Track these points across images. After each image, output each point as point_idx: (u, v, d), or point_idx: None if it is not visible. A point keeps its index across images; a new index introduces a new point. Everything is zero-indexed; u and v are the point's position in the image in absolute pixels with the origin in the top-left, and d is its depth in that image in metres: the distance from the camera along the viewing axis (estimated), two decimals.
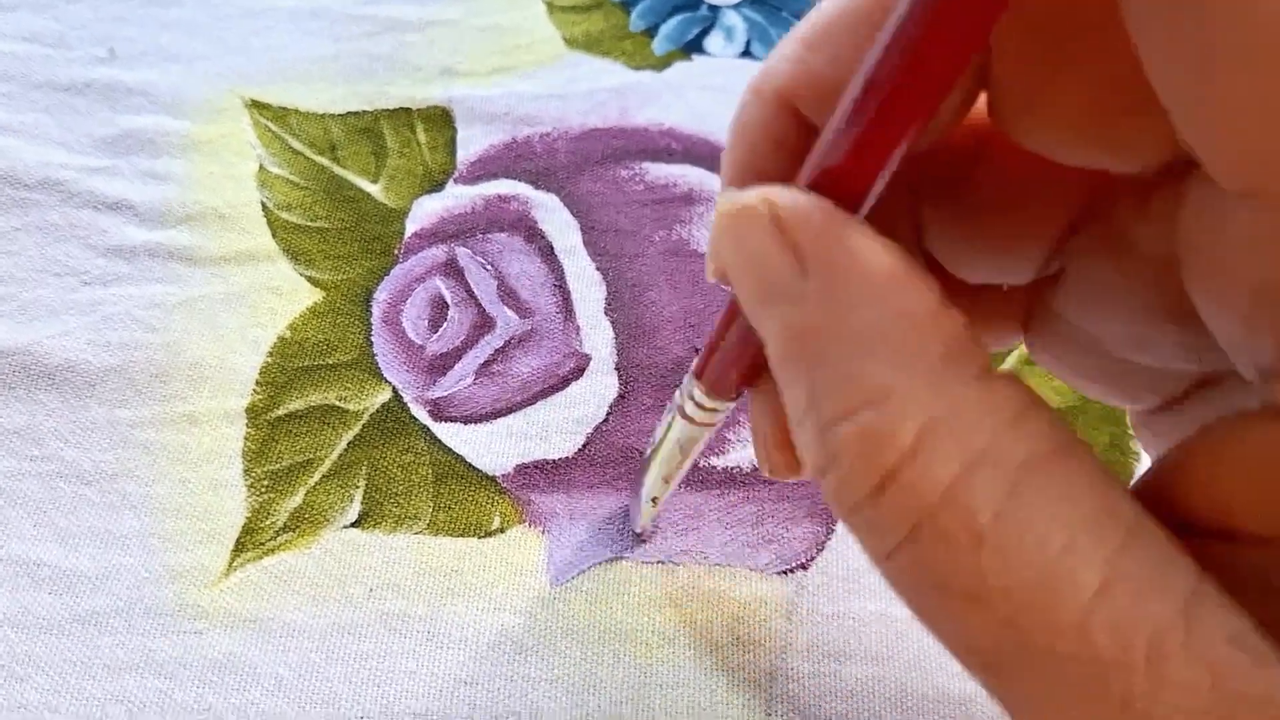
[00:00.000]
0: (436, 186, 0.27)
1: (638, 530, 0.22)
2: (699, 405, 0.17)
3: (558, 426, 0.24)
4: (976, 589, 0.10)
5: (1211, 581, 0.11)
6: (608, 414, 0.24)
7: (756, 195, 0.12)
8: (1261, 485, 0.11)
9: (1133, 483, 0.13)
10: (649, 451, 0.20)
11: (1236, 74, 0.09)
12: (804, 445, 0.12)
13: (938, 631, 0.12)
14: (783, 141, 0.14)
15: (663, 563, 0.22)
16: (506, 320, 0.25)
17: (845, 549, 0.23)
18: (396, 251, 0.26)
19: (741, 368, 0.15)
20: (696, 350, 0.25)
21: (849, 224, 0.11)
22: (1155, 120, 0.11)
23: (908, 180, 0.12)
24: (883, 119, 0.11)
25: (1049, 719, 0.11)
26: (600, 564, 0.22)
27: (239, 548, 0.22)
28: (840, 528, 0.23)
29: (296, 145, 0.28)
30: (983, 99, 0.13)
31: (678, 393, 0.18)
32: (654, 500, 0.21)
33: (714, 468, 0.24)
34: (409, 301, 0.26)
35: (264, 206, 0.27)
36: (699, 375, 0.16)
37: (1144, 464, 0.24)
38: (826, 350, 0.11)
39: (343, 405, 0.24)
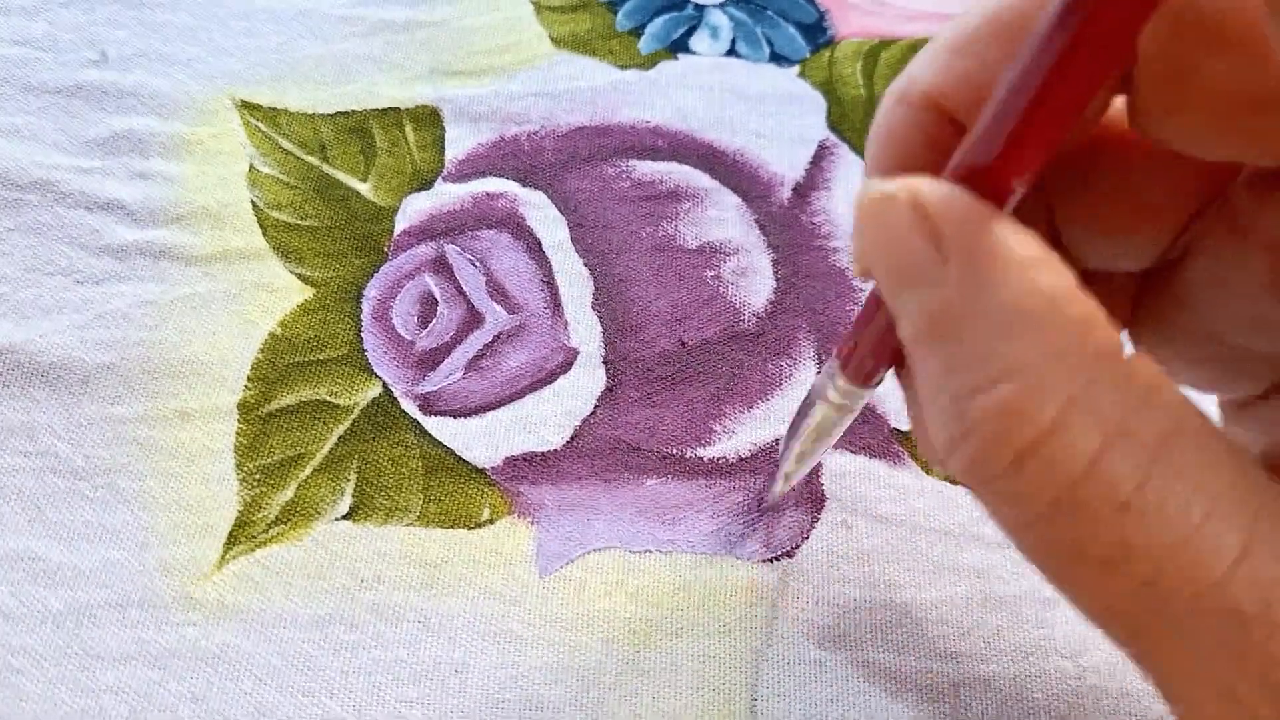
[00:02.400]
0: (425, 185, 0.28)
1: (770, 502, 0.23)
2: (841, 391, 0.17)
3: (546, 419, 0.24)
4: (1118, 555, 0.11)
5: None
6: (595, 407, 0.25)
7: (899, 184, 0.12)
8: None
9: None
10: (791, 426, 0.20)
11: None
12: (937, 420, 0.12)
13: (1076, 597, 0.12)
14: (929, 143, 0.14)
15: (650, 552, 0.23)
16: (495, 316, 0.26)
17: (830, 537, 0.23)
18: (386, 249, 0.27)
19: (884, 354, 0.16)
20: (683, 344, 0.26)
21: (991, 214, 0.12)
22: None
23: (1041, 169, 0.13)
24: (1028, 122, 0.11)
25: (1190, 676, 0.12)
26: (588, 554, 0.23)
27: (231, 541, 0.22)
28: (826, 516, 0.23)
29: (286, 145, 0.28)
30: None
31: (819, 377, 0.18)
32: (788, 476, 0.21)
33: (701, 458, 0.24)
34: (398, 298, 0.26)
35: (254, 205, 0.27)
36: (841, 361, 0.17)
37: None
38: (964, 330, 0.12)
39: (333, 400, 0.24)
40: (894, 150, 0.15)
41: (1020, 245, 0.12)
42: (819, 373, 0.25)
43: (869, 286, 0.27)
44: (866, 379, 0.17)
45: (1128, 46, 0.11)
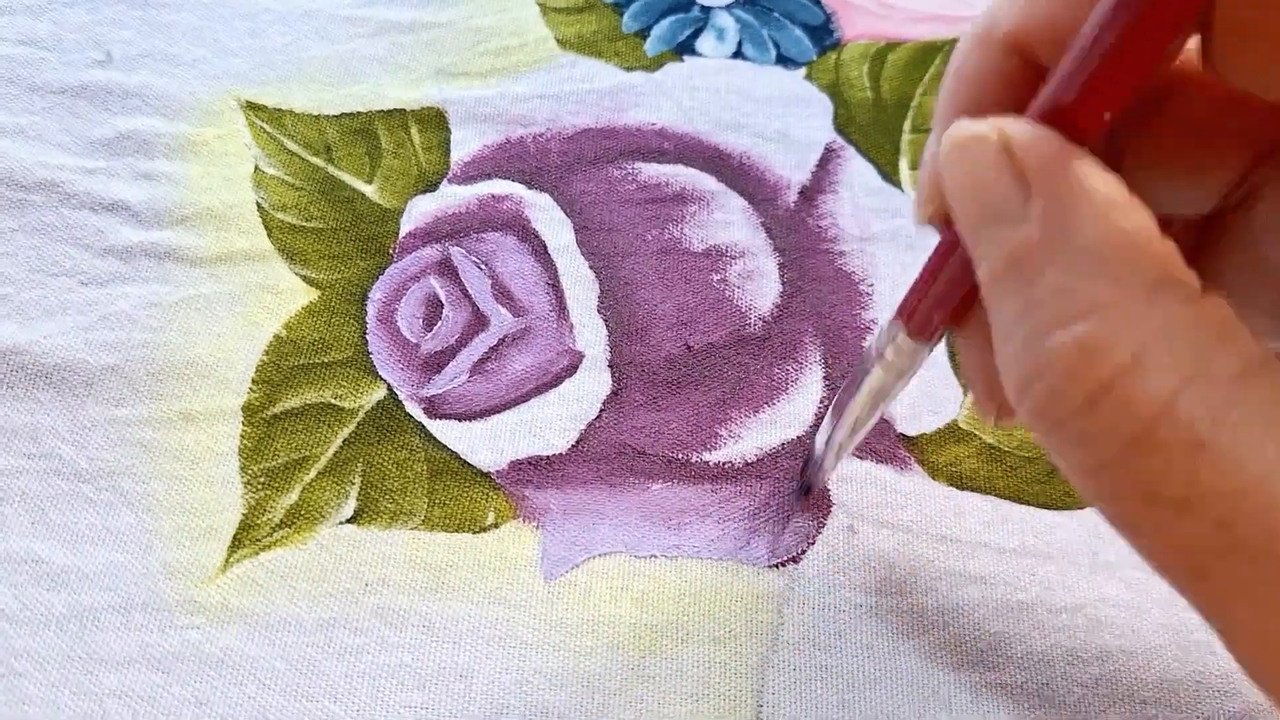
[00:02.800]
0: (431, 187, 0.28)
1: (817, 486, 0.23)
2: (900, 350, 0.17)
3: (551, 423, 0.24)
4: (1191, 495, 0.11)
5: None
6: (601, 411, 0.25)
7: (989, 124, 0.13)
8: None
9: None
10: (833, 407, 0.20)
11: None
12: (1009, 359, 0.13)
13: (1143, 540, 0.12)
14: (1009, 83, 0.14)
15: (656, 557, 0.23)
16: (500, 318, 0.26)
17: (836, 543, 0.23)
18: (391, 251, 0.27)
19: (948, 308, 0.16)
20: (689, 347, 0.26)
21: (1075, 153, 0.12)
22: None
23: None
24: (1114, 62, 0.12)
25: (1260, 620, 0.12)
26: (593, 559, 0.22)
27: (235, 544, 0.22)
28: (831, 522, 0.23)
29: (292, 146, 0.28)
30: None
31: (872, 341, 0.18)
32: (840, 448, 0.21)
33: (707, 463, 0.24)
34: (404, 300, 0.26)
35: (259, 207, 0.27)
36: (902, 318, 0.17)
37: None
38: (1045, 267, 0.12)
39: (338, 403, 0.24)
40: (973, 91, 0.15)
41: (1104, 186, 0.12)
42: (825, 377, 0.25)
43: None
44: (930, 333, 0.17)
45: None
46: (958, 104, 0.15)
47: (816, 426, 0.25)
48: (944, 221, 0.15)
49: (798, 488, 0.23)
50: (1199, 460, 0.11)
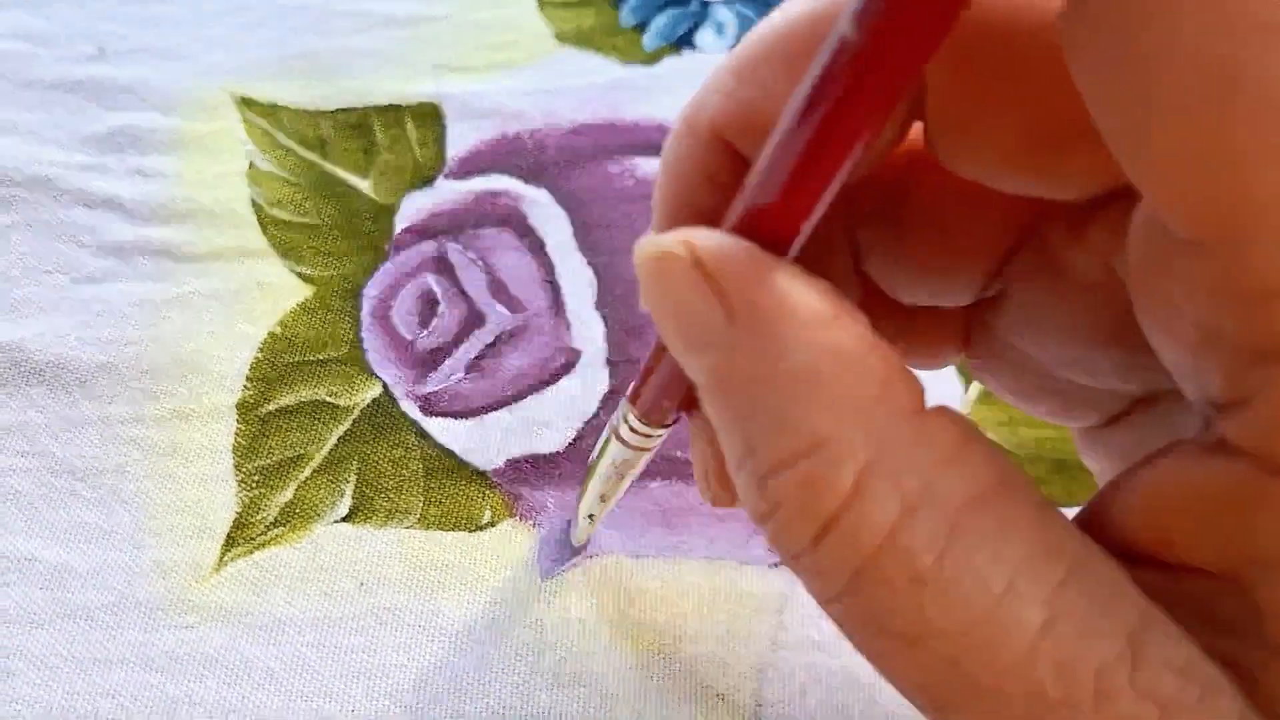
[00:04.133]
0: (426, 182, 0.28)
1: (575, 544, 0.22)
2: (634, 430, 0.17)
3: (548, 421, 0.24)
4: (919, 631, 0.11)
5: (1160, 610, 0.11)
6: (598, 408, 0.24)
7: (676, 238, 0.11)
8: (1202, 519, 0.11)
9: (1077, 512, 0.13)
10: (590, 463, 0.20)
11: (1174, 126, 0.09)
12: (742, 492, 0.12)
13: (885, 672, 0.12)
14: (715, 176, 0.13)
15: (654, 557, 0.22)
16: (497, 315, 0.25)
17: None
18: (386, 247, 0.26)
19: (675, 398, 0.15)
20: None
21: (774, 266, 0.11)
22: (1091, 151, 0.11)
23: (844, 203, 0.12)
24: (813, 156, 0.10)
25: None
26: (591, 558, 0.22)
27: (230, 542, 0.22)
28: None
29: (286, 142, 0.28)
30: (917, 126, 0.13)
31: (615, 415, 0.17)
32: (591, 517, 0.20)
33: None
34: (399, 297, 0.26)
35: (254, 203, 0.27)
36: (633, 401, 0.16)
37: None
38: (758, 398, 0.11)
39: (333, 401, 0.24)
40: (681, 185, 0.13)
41: (806, 300, 0.11)
42: None
43: None
44: (660, 420, 0.16)
45: (915, 70, 0.10)
46: (668, 199, 0.14)
47: None
48: None
49: (569, 549, 0.22)
50: (922, 595, 0.10)
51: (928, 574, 0.10)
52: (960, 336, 0.16)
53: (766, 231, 0.11)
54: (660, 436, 0.17)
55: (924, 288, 0.15)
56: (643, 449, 0.17)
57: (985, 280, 0.15)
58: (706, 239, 0.11)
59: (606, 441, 0.18)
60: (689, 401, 0.15)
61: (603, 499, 0.20)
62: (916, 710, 0.12)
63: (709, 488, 0.16)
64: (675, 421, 0.16)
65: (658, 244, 0.12)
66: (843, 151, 0.10)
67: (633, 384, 0.16)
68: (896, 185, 0.14)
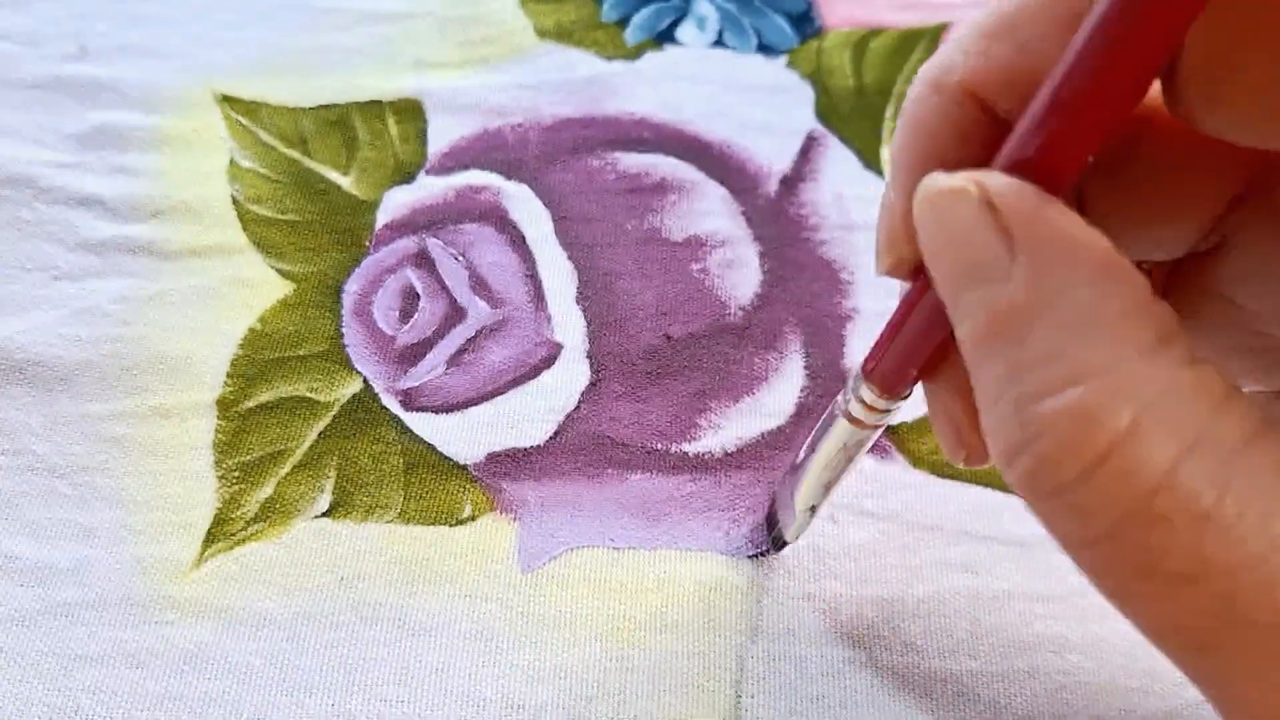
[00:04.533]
0: (407, 178, 0.28)
1: (789, 540, 0.22)
2: (869, 407, 0.17)
3: (529, 415, 0.24)
4: (1195, 570, 0.11)
5: None
6: (579, 402, 0.24)
7: (965, 177, 0.12)
8: None
9: None
10: (800, 458, 0.19)
11: None
12: (996, 424, 0.12)
13: (1141, 615, 0.12)
14: (966, 133, 0.14)
15: (634, 548, 0.22)
16: (478, 310, 0.25)
17: (816, 532, 0.23)
18: (367, 243, 0.26)
19: (918, 363, 0.15)
20: (669, 337, 0.25)
21: (1060, 208, 0.12)
22: None
23: None
24: (1089, 109, 0.11)
25: (1262, 691, 0.11)
26: (571, 551, 0.22)
27: (210, 539, 0.22)
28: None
29: (267, 139, 0.28)
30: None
31: (839, 398, 0.18)
32: (812, 509, 0.20)
33: (686, 453, 0.24)
34: (380, 292, 0.26)
35: (234, 200, 0.27)
36: (869, 375, 0.16)
37: None
38: (1033, 329, 0.11)
39: (313, 396, 0.24)
40: (927, 142, 0.14)
41: (1095, 244, 0.11)
42: (806, 366, 0.25)
43: (867, 287, 0.26)
44: (897, 390, 0.16)
45: (1185, 25, 0.11)
46: (913, 153, 0.14)
47: (797, 418, 0.24)
48: (908, 273, 0.15)
49: (768, 542, 0.22)
50: (1203, 533, 0.11)
51: (1211, 511, 0.11)
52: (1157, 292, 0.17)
53: (1042, 177, 0.12)
54: (894, 411, 0.17)
55: (1146, 238, 0.15)
56: (874, 426, 0.17)
57: (1204, 232, 0.15)
58: (994, 178, 0.12)
59: (830, 429, 0.18)
60: (931, 368, 0.15)
61: (826, 488, 0.19)
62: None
63: (961, 446, 0.16)
64: (909, 395, 0.16)
65: (943, 182, 0.12)
66: (1119, 104, 0.11)
67: (866, 360, 0.16)
68: (1123, 136, 0.15)
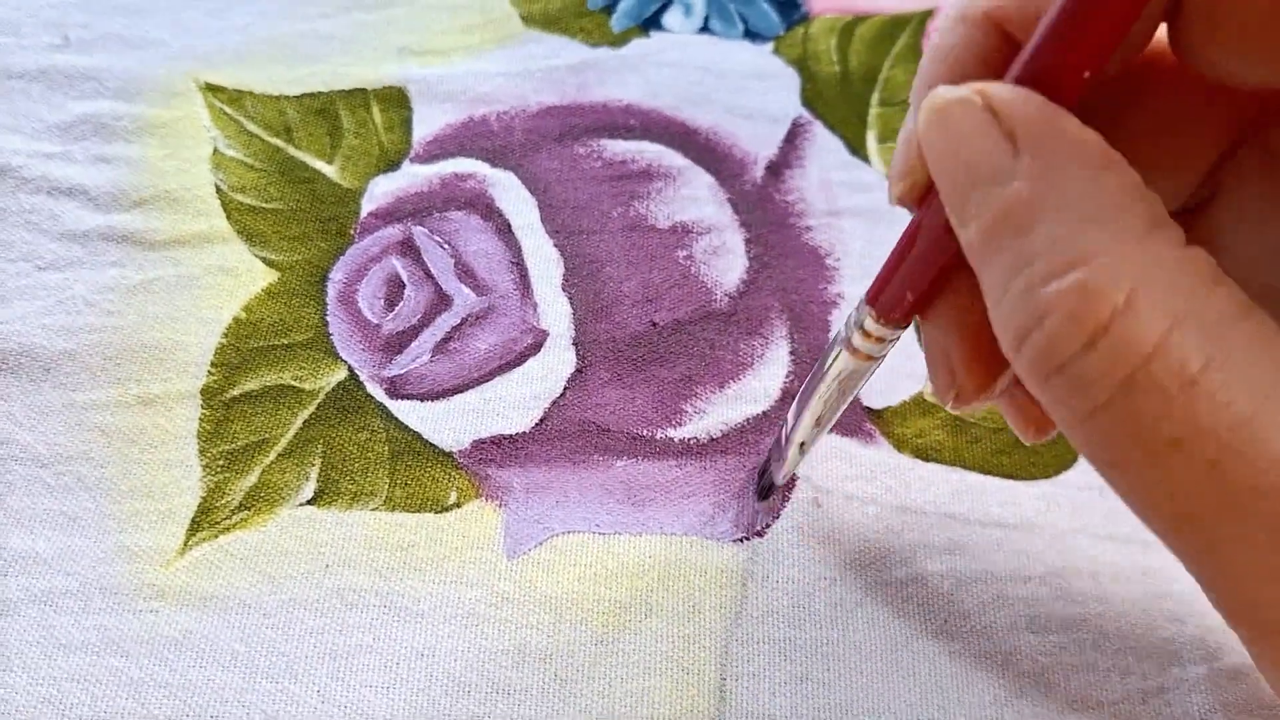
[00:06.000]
0: (392, 166, 0.27)
1: (779, 481, 0.22)
2: (868, 335, 0.17)
3: (514, 402, 0.24)
4: (1183, 435, 0.12)
5: None
6: (565, 389, 0.24)
7: (969, 88, 0.13)
8: None
9: None
10: (798, 398, 0.20)
11: None
12: (1006, 313, 0.13)
13: (1133, 488, 0.13)
14: (988, 60, 0.15)
15: (619, 534, 0.22)
16: (463, 298, 0.25)
17: (801, 516, 0.23)
18: (352, 232, 0.26)
19: (920, 288, 0.16)
20: (654, 324, 0.25)
21: (1059, 111, 0.13)
22: None
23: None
24: (1091, 22, 0.12)
25: (1248, 563, 0.12)
26: (556, 537, 0.22)
27: (194, 527, 0.22)
28: (796, 495, 0.23)
29: (251, 127, 0.28)
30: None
31: (842, 327, 0.18)
32: (802, 446, 0.20)
33: (671, 439, 0.24)
34: (365, 281, 0.26)
35: (218, 189, 0.27)
36: (872, 302, 0.17)
37: None
38: (1037, 220, 0.12)
39: (298, 385, 0.24)
40: (951, 66, 0.15)
41: (1091, 139, 0.12)
42: (791, 352, 0.25)
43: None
44: (900, 316, 0.17)
45: None
46: (937, 78, 0.15)
47: (782, 402, 0.24)
48: (917, 200, 0.15)
49: (757, 487, 0.22)
50: (1191, 397, 0.11)
51: (1198, 377, 0.11)
52: None
53: (1046, 90, 0.13)
54: (893, 342, 0.18)
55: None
56: (872, 358, 0.18)
57: (1198, 184, 0.16)
58: (997, 87, 0.13)
59: (830, 361, 0.19)
60: (931, 295, 0.16)
61: (818, 424, 0.20)
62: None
63: (952, 385, 0.16)
64: (908, 323, 0.17)
65: (948, 93, 0.13)
66: (1119, 21, 0.12)
67: (869, 288, 0.17)
68: (1120, 88, 0.16)
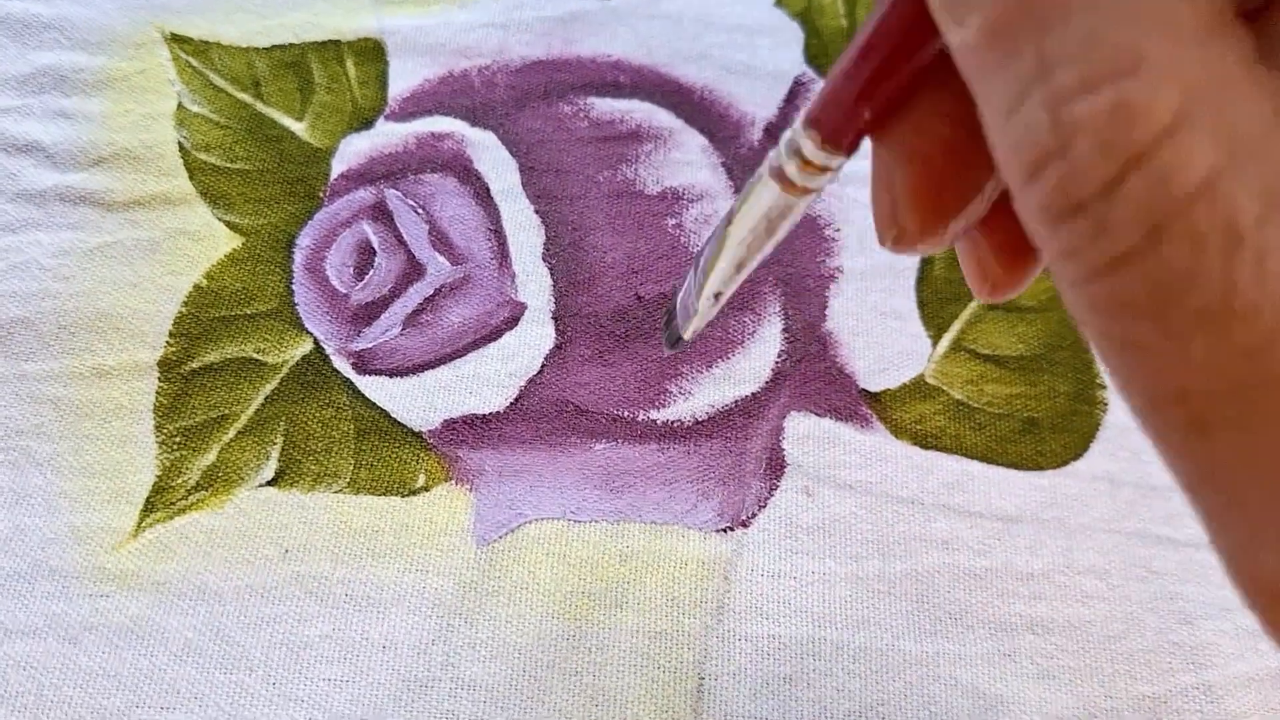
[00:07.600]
0: (366, 124, 0.26)
1: (686, 337, 0.18)
2: (806, 163, 0.14)
3: (489, 379, 0.23)
4: (1219, 306, 0.09)
5: None
6: (542, 366, 0.23)
7: None
8: None
9: None
10: (707, 242, 0.16)
11: None
12: (1018, 137, 0.10)
13: (1139, 374, 0.10)
14: None
15: (596, 521, 0.21)
16: (437, 267, 0.24)
17: (790, 506, 0.21)
18: (321, 194, 0.25)
19: (876, 100, 0.13)
20: (639, 298, 0.24)
21: None
22: None
23: None
24: None
25: (1267, 487, 0.09)
26: (529, 523, 0.21)
27: (149, 507, 0.21)
28: (785, 483, 0.22)
29: (218, 81, 0.26)
30: None
31: (771, 154, 0.15)
32: (717, 296, 0.17)
33: (654, 421, 0.22)
34: (333, 247, 0.24)
35: (181, 147, 0.25)
36: (814, 123, 0.14)
37: (1112, 414, 0.22)
38: (1068, 12, 0.09)
39: (261, 358, 0.23)
40: None
41: None
42: (785, 329, 0.24)
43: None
44: (842, 138, 0.14)
45: None
46: None
47: (774, 384, 0.23)
48: None
49: (664, 338, 0.19)
50: (1236, 261, 0.09)
51: (1248, 235, 0.09)
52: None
53: None
54: (835, 171, 0.14)
55: None
56: (808, 190, 0.15)
57: None
58: None
59: (750, 195, 0.15)
60: (886, 114, 0.13)
61: (738, 269, 0.16)
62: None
63: (893, 223, 0.14)
64: (854, 150, 0.14)
65: None
66: None
67: (807, 108, 0.14)
68: None
